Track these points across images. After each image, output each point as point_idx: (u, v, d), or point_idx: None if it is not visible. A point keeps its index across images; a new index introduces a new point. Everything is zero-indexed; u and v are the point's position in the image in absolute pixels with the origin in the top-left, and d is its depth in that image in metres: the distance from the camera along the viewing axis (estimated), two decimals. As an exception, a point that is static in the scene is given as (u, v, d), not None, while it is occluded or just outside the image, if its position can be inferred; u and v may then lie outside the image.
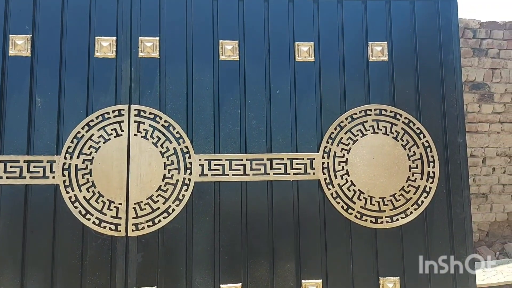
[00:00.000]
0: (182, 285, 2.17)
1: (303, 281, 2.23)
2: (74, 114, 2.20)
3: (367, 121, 2.35)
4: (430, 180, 2.33)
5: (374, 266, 2.27)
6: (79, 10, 2.28)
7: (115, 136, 2.20)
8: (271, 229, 2.25)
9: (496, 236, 4.50)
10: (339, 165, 2.31)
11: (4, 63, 2.21)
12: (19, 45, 2.21)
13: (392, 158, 2.33)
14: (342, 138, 2.33)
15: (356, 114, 2.35)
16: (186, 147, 2.23)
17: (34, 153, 2.16)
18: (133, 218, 2.17)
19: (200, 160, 2.23)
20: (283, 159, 2.28)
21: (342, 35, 2.41)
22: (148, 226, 2.17)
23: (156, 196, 2.19)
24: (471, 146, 4.39)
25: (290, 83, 2.34)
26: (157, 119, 2.24)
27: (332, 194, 2.29)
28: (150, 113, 2.23)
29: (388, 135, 2.35)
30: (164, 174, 2.21)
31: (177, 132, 2.24)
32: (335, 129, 2.33)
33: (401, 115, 2.36)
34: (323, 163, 2.30)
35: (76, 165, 2.17)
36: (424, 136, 2.36)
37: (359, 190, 2.30)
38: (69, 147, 2.17)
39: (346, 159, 2.32)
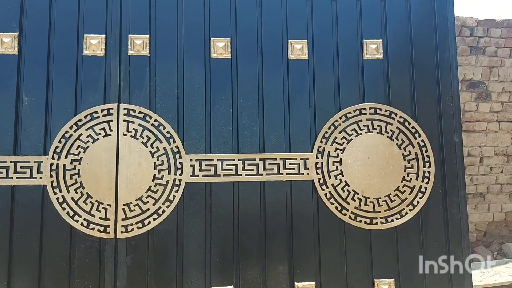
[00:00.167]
0: (173, 288, 2.13)
1: (296, 283, 2.19)
2: (62, 114, 2.16)
3: (361, 120, 2.31)
4: (426, 180, 2.29)
5: (368, 268, 2.23)
6: (68, 7, 2.23)
7: (104, 136, 2.16)
8: (264, 231, 2.21)
9: (493, 236, 4.47)
10: (333, 165, 2.27)
11: (-9, 61, 2.16)
12: (6, 43, 2.16)
13: (387, 158, 2.29)
14: (336, 137, 2.28)
15: (350, 113, 2.31)
16: (177, 147, 2.19)
17: (21, 153, 2.11)
18: (122, 219, 2.12)
19: (191, 160, 2.19)
20: (276, 159, 2.24)
21: (336, 33, 2.36)
22: (138, 227, 2.13)
23: (146, 197, 2.14)
24: (468, 145, 4.35)
25: (283, 81, 2.30)
26: (147, 118, 2.19)
27: (326, 194, 2.24)
28: (139, 112, 2.19)
29: (383, 134, 2.31)
30: (154, 175, 2.16)
31: (168, 132, 2.19)
32: (329, 128, 2.29)
33: (396, 114, 2.32)
34: (316, 163, 2.26)
35: (64, 165, 2.12)
36: (420, 136, 2.31)
37: (353, 190, 2.26)
38: (56, 147, 2.12)
39: (340, 159, 2.28)
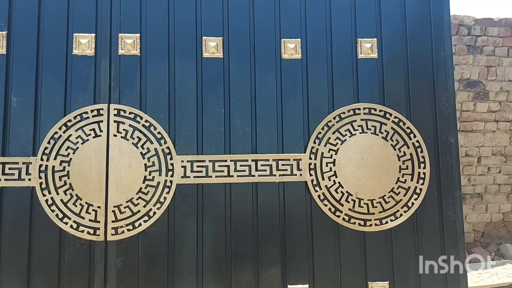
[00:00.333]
0: (164, 291, 2.10)
1: (289, 286, 2.15)
2: (51, 114, 2.12)
3: (355, 121, 2.27)
4: (421, 181, 2.26)
5: (362, 271, 2.20)
6: (57, 6, 2.19)
7: (93, 137, 2.12)
8: (256, 233, 2.17)
9: (491, 237, 4.43)
10: (327, 166, 2.24)
11: (-22, 61, 2.13)
12: (-6, 42, 2.13)
13: (382, 158, 2.26)
14: (329, 138, 2.25)
15: (344, 113, 2.27)
16: (168, 148, 2.16)
17: (9, 154, 2.08)
18: (112, 221, 2.09)
19: (182, 161, 2.15)
20: (268, 160, 2.21)
21: (330, 32, 2.33)
22: (128, 230, 2.10)
23: (137, 199, 2.11)
24: (466, 145, 4.32)
25: (276, 81, 2.26)
26: (138, 119, 2.16)
27: (319, 196, 2.21)
28: (130, 113, 2.15)
29: (378, 135, 2.28)
30: (145, 176, 2.13)
31: (159, 133, 2.16)
32: (323, 129, 2.25)
33: (391, 114, 2.29)
34: (310, 164, 2.22)
35: (53, 166, 2.09)
36: (415, 136, 2.28)
37: (347, 192, 2.23)
38: (45, 148, 2.09)
39: (334, 160, 2.24)
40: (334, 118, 2.26)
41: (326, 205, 2.21)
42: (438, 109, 2.31)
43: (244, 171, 2.19)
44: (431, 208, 2.26)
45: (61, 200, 2.08)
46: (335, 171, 2.23)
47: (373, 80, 2.31)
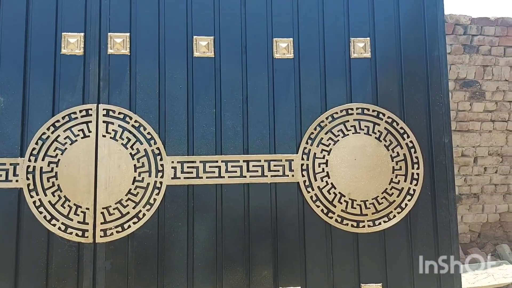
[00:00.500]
0: (153, 294, 2.07)
1: (280, 288, 2.13)
2: (39, 114, 2.09)
3: (348, 121, 2.25)
4: (414, 182, 2.23)
5: (355, 272, 2.17)
6: (45, 5, 2.16)
7: (82, 137, 2.09)
8: (248, 234, 2.15)
9: (488, 237, 4.42)
10: (319, 166, 2.21)
11: (-35, 60, 2.10)
12: (-19, 41, 2.10)
13: (375, 159, 2.23)
14: (322, 138, 2.22)
15: (337, 113, 2.25)
16: (158, 148, 2.13)
17: (-4, 155, 2.05)
18: (101, 223, 2.06)
19: (172, 162, 2.12)
20: (260, 160, 2.18)
21: (323, 31, 2.30)
22: (117, 232, 2.07)
23: (126, 200, 2.08)
24: (462, 146, 4.30)
25: (268, 81, 2.23)
26: (127, 119, 2.13)
27: (311, 197, 2.18)
28: (119, 113, 2.12)
29: (371, 135, 2.25)
30: (134, 177, 2.10)
31: (148, 133, 2.13)
32: (315, 129, 2.22)
33: (384, 115, 2.26)
34: (302, 164, 2.20)
35: (41, 168, 2.06)
36: (408, 136, 2.26)
37: (339, 193, 2.20)
38: (33, 149, 2.06)
39: (327, 160, 2.21)
40: (326, 118, 2.24)
41: (318, 206, 2.18)
42: (432, 109, 2.29)
43: (236, 172, 2.16)
44: (425, 209, 2.24)
45: (49, 202, 2.05)
46: (327, 172, 2.21)
47: (366, 80, 2.29)
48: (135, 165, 2.10)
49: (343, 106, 2.25)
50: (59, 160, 2.07)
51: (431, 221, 2.23)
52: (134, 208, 2.08)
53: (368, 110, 2.26)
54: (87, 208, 2.06)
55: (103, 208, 2.06)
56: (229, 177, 2.15)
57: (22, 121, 2.08)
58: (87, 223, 2.05)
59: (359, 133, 2.24)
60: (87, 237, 2.05)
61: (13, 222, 2.03)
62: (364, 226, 2.19)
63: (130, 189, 2.09)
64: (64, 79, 2.12)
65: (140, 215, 2.08)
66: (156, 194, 2.10)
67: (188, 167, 2.13)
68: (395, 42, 2.32)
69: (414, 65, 2.32)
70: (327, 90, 2.26)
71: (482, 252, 4.24)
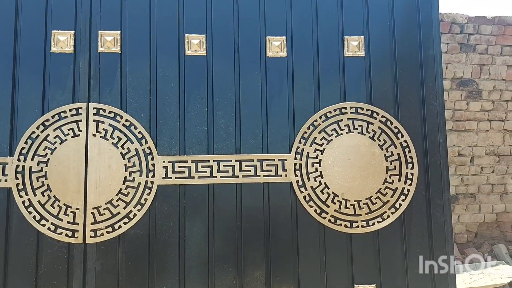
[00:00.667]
0: (144, 295, 2.04)
1: (273, 289, 2.11)
2: (28, 113, 2.06)
3: (342, 120, 2.22)
4: (409, 182, 2.21)
5: (349, 273, 2.15)
6: (35, 2, 2.13)
7: (72, 137, 2.07)
8: (240, 235, 2.12)
9: (484, 237, 4.40)
10: (312, 166, 2.18)
11: (-47, 58, 2.07)
12: (-30, 39, 2.07)
13: (369, 159, 2.21)
14: (315, 138, 2.20)
15: (330, 112, 2.22)
16: (149, 148, 2.10)
17: (-15, 154, 2.02)
18: (92, 223, 2.03)
19: (163, 161, 2.10)
20: (252, 160, 2.15)
21: (317, 29, 2.27)
22: (108, 232, 2.04)
23: (116, 200, 2.06)
24: (459, 145, 4.28)
25: (260, 79, 2.21)
26: (118, 118, 2.10)
27: (304, 197, 2.16)
28: (110, 112, 2.10)
29: (364, 134, 2.23)
30: (125, 177, 2.07)
31: (139, 132, 2.10)
32: (308, 128, 2.20)
33: (378, 114, 2.24)
34: (295, 164, 2.17)
35: (31, 167, 2.03)
36: (402, 136, 2.23)
37: (333, 192, 2.17)
38: (22, 148, 2.03)
39: (320, 160, 2.19)
40: (320, 117, 2.21)
41: (311, 207, 2.16)
42: (427, 108, 2.27)
43: (228, 171, 2.13)
44: (419, 209, 2.22)
45: (39, 202, 2.02)
46: (321, 172, 2.18)
47: (360, 79, 2.26)
48: (125, 164, 2.08)
49: (336, 105, 2.23)
50: (48, 159, 2.04)
51: (426, 222, 2.21)
52: (124, 208, 2.06)
53: (362, 109, 2.24)
54: (77, 208, 2.03)
55: (93, 208, 2.04)
56: (221, 177, 2.13)
57: (11, 120, 2.05)
58: (77, 224, 2.03)
59: (353, 132, 2.22)
60: (77, 237, 2.02)
61: (1, 223, 2.00)
62: (357, 227, 2.17)
63: (121, 189, 2.06)
64: (54, 77, 2.09)
65: (131, 215, 2.06)
66: (147, 194, 2.08)
67: (179, 167, 2.11)
68: (389, 41, 2.30)
69: (408, 64, 2.29)
70: (320, 89, 2.24)
71: (478, 252, 4.22)
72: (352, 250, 2.16)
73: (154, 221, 2.08)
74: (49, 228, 2.01)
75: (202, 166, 2.12)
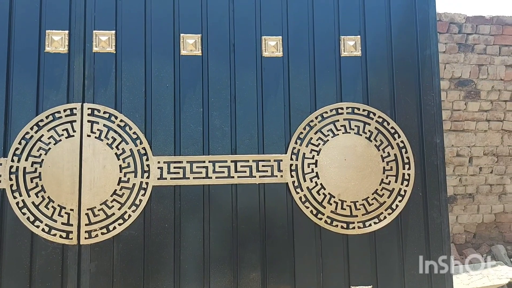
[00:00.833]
0: (139, 296, 2.03)
1: (269, 291, 2.09)
2: (22, 114, 2.05)
3: (338, 120, 2.21)
4: (405, 182, 2.20)
5: (345, 274, 2.14)
6: (29, 1, 2.12)
7: (66, 137, 2.05)
8: (236, 236, 2.11)
9: (483, 238, 4.38)
10: (308, 167, 2.17)
11: None
12: (-36, 39, 2.06)
13: (365, 159, 2.19)
14: (311, 138, 2.19)
15: (326, 112, 2.21)
16: (144, 148, 2.09)
17: (-22, 155, 2.01)
18: (86, 225, 2.02)
19: (158, 162, 2.08)
20: (248, 161, 2.14)
21: (313, 29, 2.26)
22: (102, 233, 2.03)
23: (111, 201, 2.04)
24: (457, 145, 4.27)
25: (256, 80, 2.20)
26: (112, 118, 2.09)
27: (300, 198, 2.15)
28: (104, 112, 2.08)
29: (361, 135, 2.21)
30: (120, 178, 2.06)
31: (134, 133, 2.09)
32: (304, 128, 2.19)
33: (374, 114, 2.23)
34: (291, 165, 2.16)
35: (24, 168, 2.01)
36: (399, 136, 2.22)
37: (329, 193, 2.16)
38: (16, 148, 2.02)
39: (316, 160, 2.18)
40: (316, 117, 2.20)
41: (307, 208, 2.15)
42: (424, 108, 2.25)
43: (223, 172, 2.12)
44: (416, 210, 2.20)
45: (33, 203, 2.01)
46: (317, 172, 2.17)
47: (357, 79, 2.25)
48: (120, 165, 2.06)
49: (333, 105, 2.21)
50: (42, 160, 2.03)
51: (423, 223, 2.20)
52: (119, 209, 2.04)
53: (359, 109, 2.23)
54: (72, 209, 2.02)
55: (87, 209, 2.02)
56: (216, 177, 2.11)
57: (5, 121, 2.04)
58: (72, 225, 2.01)
59: (349, 133, 2.21)
60: (72, 238, 2.01)
61: (-5, 224, 1.99)
62: (354, 228, 2.16)
63: (116, 190, 2.05)
64: (48, 77, 2.08)
65: (126, 216, 2.04)
66: (142, 195, 2.06)
67: (174, 168, 2.09)
68: (386, 41, 2.29)
69: (405, 64, 2.28)
70: (316, 89, 2.22)
71: (477, 252, 4.21)
72: (348, 251, 2.15)
73: (149, 222, 2.07)
74: (43, 229, 2.00)
75: (197, 167, 2.11)
